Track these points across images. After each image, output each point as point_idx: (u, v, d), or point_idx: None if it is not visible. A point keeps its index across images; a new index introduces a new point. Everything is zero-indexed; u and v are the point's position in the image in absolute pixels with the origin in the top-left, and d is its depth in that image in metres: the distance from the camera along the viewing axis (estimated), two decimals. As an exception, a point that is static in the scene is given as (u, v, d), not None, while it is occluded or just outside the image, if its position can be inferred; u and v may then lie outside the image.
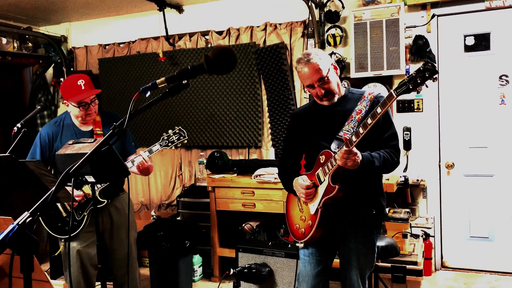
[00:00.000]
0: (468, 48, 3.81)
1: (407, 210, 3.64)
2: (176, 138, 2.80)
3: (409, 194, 3.80)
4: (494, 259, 3.85)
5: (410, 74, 1.86)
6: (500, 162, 3.79)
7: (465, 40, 3.81)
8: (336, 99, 2.24)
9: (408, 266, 3.32)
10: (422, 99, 3.86)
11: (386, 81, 3.88)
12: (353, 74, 3.89)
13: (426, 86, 1.86)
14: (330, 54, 4.04)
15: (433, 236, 3.87)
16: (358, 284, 2.28)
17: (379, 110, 1.95)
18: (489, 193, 3.84)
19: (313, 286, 2.30)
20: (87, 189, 2.67)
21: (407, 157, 3.92)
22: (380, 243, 2.96)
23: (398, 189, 3.71)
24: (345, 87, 2.33)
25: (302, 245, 2.33)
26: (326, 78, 2.15)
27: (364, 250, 2.28)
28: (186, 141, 2.84)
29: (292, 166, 2.43)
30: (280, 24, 4.19)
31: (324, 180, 2.16)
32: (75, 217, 2.73)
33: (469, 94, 3.83)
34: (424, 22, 3.79)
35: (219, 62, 1.25)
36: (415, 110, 3.88)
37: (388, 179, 3.45)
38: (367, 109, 2.16)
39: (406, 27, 3.78)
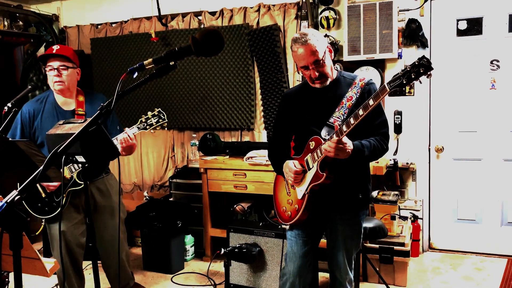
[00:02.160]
0: (460, 33, 3.82)
1: (396, 192, 3.69)
2: (155, 121, 2.71)
3: (398, 177, 3.85)
4: (480, 241, 3.94)
5: (405, 68, 1.84)
6: (488, 146, 3.84)
7: (457, 24, 3.82)
8: (328, 82, 2.22)
9: (395, 247, 3.39)
10: (413, 82, 3.86)
11: (379, 64, 3.89)
12: (346, 57, 3.89)
13: (420, 82, 1.83)
14: (324, 37, 4.03)
15: (422, 218, 3.94)
16: (345, 265, 2.33)
17: (371, 102, 1.93)
18: (477, 177, 3.90)
19: (300, 266, 2.34)
20: (65, 171, 2.67)
21: (398, 140, 3.97)
22: (369, 224, 3.02)
23: (388, 172, 3.76)
24: (337, 70, 2.32)
25: (287, 227, 2.38)
26: (321, 61, 2.13)
27: (350, 232, 2.32)
28: (166, 124, 2.73)
29: (282, 147, 2.44)
30: (273, 5, 4.16)
31: (313, 166, 2.17)
32: (54, 198, 2.74)
33: (460, 79, 3.85)
34: (417, 5, 3.79)
35: (206, 44, 1.26)
36: (407, 94, 3.91)
37: (378, 162, 3.49)
38: (357, 96, 2.16)
39: (399, 11, 3.77)
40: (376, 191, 3.74)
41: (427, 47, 3.82)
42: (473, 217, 3.96)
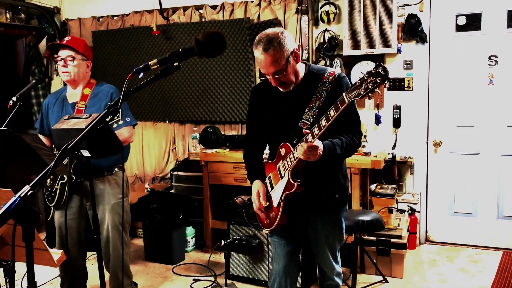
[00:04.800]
0: (459, 28, 3.85)
1: (394, 186, 3.75)
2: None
3: (396, 170, 3.90)
4: (476, 234, 4.01)
5: (362, 76, 1.76)
6: (485, 141, 3.89)
7: (456, 19, 3.85)
8: (291, 87, 2.11)
9: (392, 240, 3.46)
10: (412, 77, 3.91)
11: (378, 59, 3.91)
12: (346, 51, 3.93)
13: (378, 92, 1.73)
14: (324, 31, 4.07)
15: (419, 212, 4.00)
16: (329, 260, 2.33)
17: (332, 113, 1.86)
18: (474, 171, 3.96)
19: (284, 266, 2.34)
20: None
21: (396, 134, 4.01)
22: (366, 217, 3.08)
23: (386, 166, 3.81)
24: (305, 63, 2.19)
25: (268, 232, 2.34)
26: (282, 71, 2.00)
27: (331, 229, 2.29)
28: (121, 122, 2.67)
29: (255, 148, 2.37)
30: (274, -1, 4.19)
31: (285, 175, 2.12)
32: (51, 190, 2.79)
33: (458, 74, 3.89)
34: (417, 1, 3.81)
35: (209, 46, 1.30)
36: (406, 89, 3.94)
37: (376, 156, 3.54)
38: (328, 92, 2.07)
39: (399, 6, 3.80)
40: (374, 185, 3.80)
41: (426, 42, 3.86)
42: (469, 210, 4.02)
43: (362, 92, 1.74)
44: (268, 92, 2.21)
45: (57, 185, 2.74)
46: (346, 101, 1.80)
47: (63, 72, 2.80)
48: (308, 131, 1.96)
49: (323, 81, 2.09)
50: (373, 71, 1.71)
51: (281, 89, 2.12)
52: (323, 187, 2.20)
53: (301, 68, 2.14)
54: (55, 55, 2.84)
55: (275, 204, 2.20)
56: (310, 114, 2.07)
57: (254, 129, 2.35)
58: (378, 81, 1.69)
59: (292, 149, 2.06)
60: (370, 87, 1.71)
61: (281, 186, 2.14)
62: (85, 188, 2.80)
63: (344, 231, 2.38)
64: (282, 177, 2.14)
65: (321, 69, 2.18)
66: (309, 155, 1.93)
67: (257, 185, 2.27)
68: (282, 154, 2.14)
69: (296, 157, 2.01)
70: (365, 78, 1.73)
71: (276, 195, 2.18)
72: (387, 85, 1.70)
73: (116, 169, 2.90)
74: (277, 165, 2.18)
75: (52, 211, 2.90)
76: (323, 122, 1.89)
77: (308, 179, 2.11)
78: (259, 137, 2.35)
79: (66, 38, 2.87)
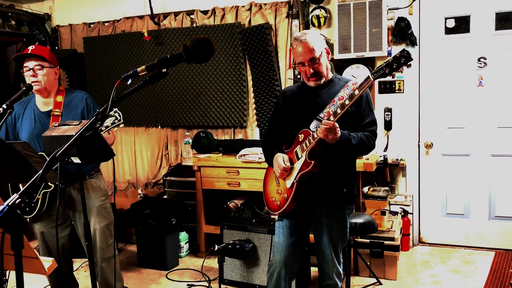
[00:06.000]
0: (448, 31, 3.89)
1: (386, 188, 3.77)
2: (110, 122, 2.45)
3: (388, 173, 3.92)
4: (469, 235, 4.03)
5: (387, 59, 1.99)
6: (476, 142, 3.93)
7: (445, 22, 3.89)
8: (322, 81, 2.35)
9: (385, 242, 3.47)
10: (403, 80, 3.94)
11: (369, 62, 3.94)
12: (337, 55, 3.95)
13: (401, 72, 1.99)
14: (314, 35, 4.09)
15: (412, 213, 4.02)
16: (332, 257, 2.40)
17: (356, 92, 2.10)
18: (465, 172, 3.99)
19: (286, 256, 2.42)
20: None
21: (388, 137, 4.03)
22: (359, 220, 3.10)
23: (378, 168, 3.83)
24: (332, 73, 2.44)
25: (276, 217, 2.48)
26: (317, 59, 2.28)
27: (336, 225, 2.41)
28: (122, 125, 2.46)
29: (276, 141, 2.55)
30: (265, 4, 4.20)
31: (302, 156, 2.30)
32: (31, 199, 2.70)
33: (448, 76, 3.92)
34: (406, 4, 3.85)
35: (197, 52, 1.31)
36: (396, 91, 3.97)
37: (368, 159, 3.56)
38: (348, 97, 2.26)
39: (389, 9, 3.83)
40: (367, 187, 3.82)
41: (416, 45, 3.89)
42: (461, 211, 4.04)
43: (387, 72, 1.98)
44: (296, 93, 2.47)
45: (39, 195, 2.65)
46: (371, 79, 2.03)
47: (33, 82, 2.71)
48: (331, 112, 2.17)
49: (346, 88, 2.28)
50: (398, 55, 1.97)
51: (312, 84, 2.35)
52: (332, 178, 2.36)
53: (330, 71, 2.41)
54: (23, 66, 2.73)
55: (288, 185, 2.37)
56: (331, 110, 2.25)
57: (276, 125, 2.55)
58: (402, 61, 1.95)
59: (311, 133, 2.24)
60: (394, 67, 1.97)
61: (297, 166, 2.32)
62: (67, 195, 2.77)
63: (348, 231, 2.48)
64: (298, 159, 2.32)
65: (345, 78, 2.44)
66: (329, 133, 2.11)
67: (279, 155, 2.41)
68: (300, 140, 2.33)
69: (316, 137, 2.19)
70: (390, 61, 1.98)
71: (291, 177, 2.35)
72: (409, 66, 1.97)
73: (93, 172, 2.89)
74: (294, 150, 2.35)
75: (28, 223, 2.79)
76: (346, 102, 2.11)
77: (322, 168, 2.28)
78: (280, 132, 2.53)
79: (31, 48, 2.76)
